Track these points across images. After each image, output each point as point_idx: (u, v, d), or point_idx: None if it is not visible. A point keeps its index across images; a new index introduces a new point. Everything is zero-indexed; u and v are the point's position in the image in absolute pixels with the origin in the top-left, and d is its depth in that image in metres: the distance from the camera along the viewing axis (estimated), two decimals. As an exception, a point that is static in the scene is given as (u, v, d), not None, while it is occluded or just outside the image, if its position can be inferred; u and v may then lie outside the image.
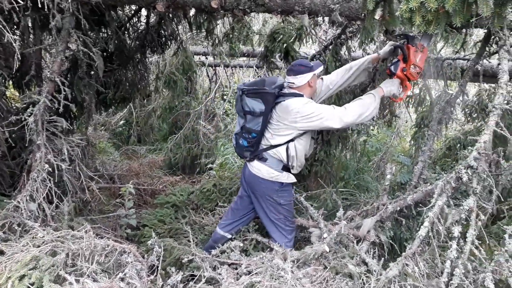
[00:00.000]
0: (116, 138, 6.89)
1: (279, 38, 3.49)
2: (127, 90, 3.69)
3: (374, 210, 3.18)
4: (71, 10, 2.28)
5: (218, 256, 2.67)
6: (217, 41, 3.89)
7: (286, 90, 2.75)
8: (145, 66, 3.81)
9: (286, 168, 2.84)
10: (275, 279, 2.16)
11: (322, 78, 2.96)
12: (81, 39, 2.45)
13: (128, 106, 6.49)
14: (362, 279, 2.41)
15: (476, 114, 4.10)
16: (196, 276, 2.47)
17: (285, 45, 3.53)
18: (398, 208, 2.96)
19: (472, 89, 4.14)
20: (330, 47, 3.65)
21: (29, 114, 2.33)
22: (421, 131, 3.54)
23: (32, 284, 1.39)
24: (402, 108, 5.32)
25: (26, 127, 2.33)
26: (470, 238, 2.17)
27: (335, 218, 3.09)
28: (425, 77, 4.01)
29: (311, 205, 3.33)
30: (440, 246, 2.37)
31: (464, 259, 2.14)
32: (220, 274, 2.25)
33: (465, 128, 4.35)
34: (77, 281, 1.52)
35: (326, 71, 3.39)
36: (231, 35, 3.68)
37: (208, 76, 7.22)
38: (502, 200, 2.71)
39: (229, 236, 3.03)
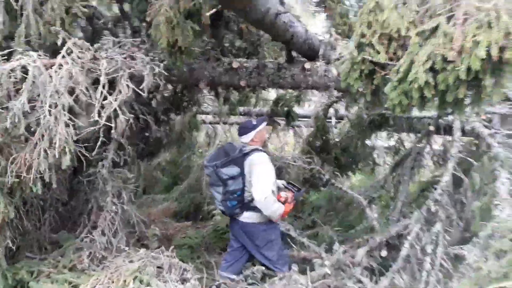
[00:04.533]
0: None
1: (282, 103, 4.34)
2: (154, 146, 4.40)
3: (365, 242, 3.89)
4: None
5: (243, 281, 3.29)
6: (223, 104, 4.71)
7: (245, 149, 3.25)
8: (168, 126, 4.55)
9: None
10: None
11: None
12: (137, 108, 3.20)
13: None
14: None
15: (442, 161, 4.95)
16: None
17: (286, 108, 4.38)
18: (384, 239, 3.68)
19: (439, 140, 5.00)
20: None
21: (101, 166, 3.00)
22: (397, 176, 4.35)
23: (141, 281, 2.01)
24: (382, 157, 6.19)
25: (98, 176, 3.00)
26: (440, 254, 2.90)
27: (332, 250, 3.77)
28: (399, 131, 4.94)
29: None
30: (417, 262, 3.08)
31: (436, 270, 2.86)
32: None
33: (435, 173, 5.19)
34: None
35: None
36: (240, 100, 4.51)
37: (207, 132, 8.04)
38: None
39: (233, 277, 3.33)
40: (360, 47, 1.88)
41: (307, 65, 3.30)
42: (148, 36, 2.70)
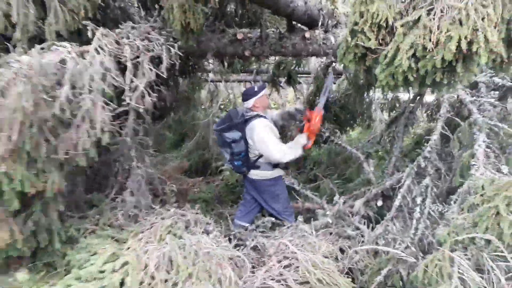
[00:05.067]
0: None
1: (283, 67, 4.61)
2: (162, 108, 4.73)
3: (362, 194, 4.33)
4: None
5: (255, 230, 3.76)
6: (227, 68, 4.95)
7: (247, 114, 3.57)
8: (176, 89, 4.84)
9: (274, 166, 3.70)
10: (300, 238, 3.27)
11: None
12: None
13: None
14: (357, 239, 3.54)
15: (434, 116, 5.27)
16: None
17: (287, 71, 4.66)
18: (380, 191, 4.11)
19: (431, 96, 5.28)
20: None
21: (125, 134, 3.35)
22: (392, 132, 4.71)
23: (175, 235, 2.44)
24: (378, 112, 6.51)
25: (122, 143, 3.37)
26: (428, 204, 3.32)
27: (333, 202, 4.21)
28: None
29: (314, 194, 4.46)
30: (408, 211, 3.52)
31: (424, 218, 3.29)
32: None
33: (429, 126, 5.54)
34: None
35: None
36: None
37: (210, 89, 8.30)
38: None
39: (246, 225, 3.76)
40: (353, 33, 2.17)
41: (307, 34, 3.55)
42: (161, 16, 2.94)
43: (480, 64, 1.88)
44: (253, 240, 3.34)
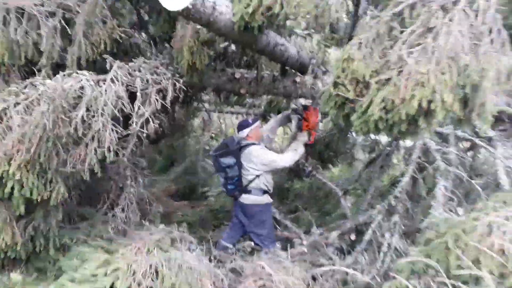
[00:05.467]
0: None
1: (274, 104, 5.01)
2: (159, 133, 5.03)
3: (337, 227, 4.62)
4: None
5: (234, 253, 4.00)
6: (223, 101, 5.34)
7: (242, 142, 3.86)
8: (173, 116, 5.17)
9: (264, 192, 3.97)
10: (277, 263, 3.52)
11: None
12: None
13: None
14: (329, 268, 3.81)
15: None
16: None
17: (277, 108, 5.05)
18: (354, 225, 4.41)
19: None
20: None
21: (122, 155, 3.63)
22: (369, 172, 5.07)
23: (161, 249, 2.70)
24: (360, 152, 6.90)
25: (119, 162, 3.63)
26: (395, 239, 3.63)
27: (310, 232, 4.49)
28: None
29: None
30: (377, 245, 3.82)
31: (391, 252, 3.59)
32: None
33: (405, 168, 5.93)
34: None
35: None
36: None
37: (203, 118, 8.63)
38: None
39: (231, 246, 4.00)
40: (335, 85, 2.54)
41: (298, 79, 3.95)
42: (171, 55, 3.30)
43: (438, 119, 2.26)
44: (231, 262, 3.58)
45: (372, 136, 5.79)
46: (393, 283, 2.45)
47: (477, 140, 3.18)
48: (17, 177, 2.36)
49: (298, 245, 4.35)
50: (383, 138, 6.13)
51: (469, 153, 4.13)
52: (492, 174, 3.29)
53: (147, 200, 4.19)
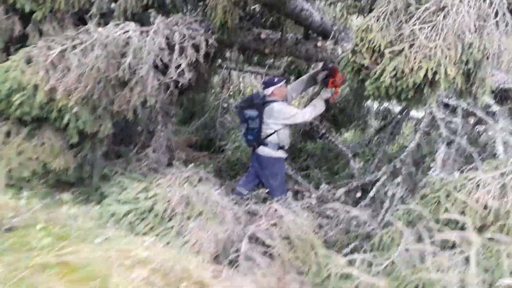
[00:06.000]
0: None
1: (294, 66, 5.30)
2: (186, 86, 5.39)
3: (345, 184, 5.02)
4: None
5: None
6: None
7: (267, 98, 4.20)
8: (199, 72, 5.49)
9: (280, 147, 4.33)
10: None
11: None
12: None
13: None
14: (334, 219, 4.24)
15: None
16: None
17: (297, 69, 5.35)
18: (360, 184, 4.81)
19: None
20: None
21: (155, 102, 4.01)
22: (379, 138, 5.42)
23: (191, 184, 3.14)
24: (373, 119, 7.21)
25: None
26: (398, 196, 4.01)
27: (319, 188, 4.90)
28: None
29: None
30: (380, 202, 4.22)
31: (392, 209, 3.98)
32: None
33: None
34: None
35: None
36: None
37: (223, 76, 8.93)
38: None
39: (245, 192, 4.37)
40: (353, 52, 2.84)
41: (319, 43, 4.22)
42: (204, 12, 3.61)
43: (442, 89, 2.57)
44: (246, 205, 4.03)
45: (385, 104, 6.11)
46: (390, 229, 2.86)
47: (478, 112, 3.45)
48: (74, 110, 2.78)
49: (307, 198, 4.78)
50: (395, 108, 6.44)
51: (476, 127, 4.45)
52: (490, 145, 3.61)
53: (173, 146, 4.63)
